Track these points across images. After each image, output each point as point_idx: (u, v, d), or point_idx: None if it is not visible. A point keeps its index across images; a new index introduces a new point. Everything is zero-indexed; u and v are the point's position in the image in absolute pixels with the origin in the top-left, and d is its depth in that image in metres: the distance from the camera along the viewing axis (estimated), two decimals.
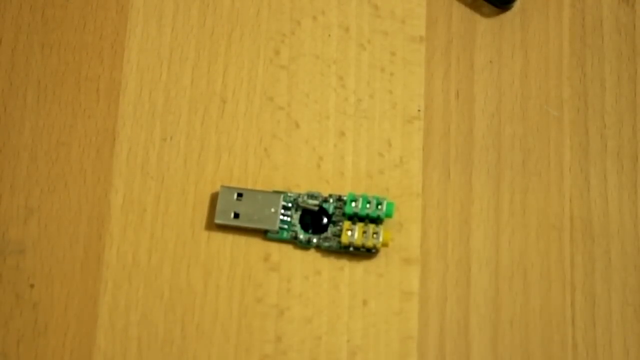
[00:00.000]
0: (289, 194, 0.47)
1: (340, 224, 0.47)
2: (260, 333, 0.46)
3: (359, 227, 0.46)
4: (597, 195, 0.48)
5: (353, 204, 0.47)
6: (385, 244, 0.47)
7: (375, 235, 0.46)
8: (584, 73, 0.49)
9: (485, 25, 0.50)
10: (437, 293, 0.47)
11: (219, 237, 0.47)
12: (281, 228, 0.47)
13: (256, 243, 0.47)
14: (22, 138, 0.48)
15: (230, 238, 0.47)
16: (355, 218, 0.47)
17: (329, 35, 0.50)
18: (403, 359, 0.46)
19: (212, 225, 0.47)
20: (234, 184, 0.48)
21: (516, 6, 0.50)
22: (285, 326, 0.46)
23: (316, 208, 0.47)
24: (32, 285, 0.47)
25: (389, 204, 0.46)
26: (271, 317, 0.46)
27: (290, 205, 0.47)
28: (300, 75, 0.49)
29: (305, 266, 0.47)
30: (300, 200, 0.47)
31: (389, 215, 0.46)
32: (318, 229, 0.47)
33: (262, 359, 0.46)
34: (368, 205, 0.46)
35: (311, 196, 0.47)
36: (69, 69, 0.49)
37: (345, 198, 0.47)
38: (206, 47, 0.50)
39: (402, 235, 0.47)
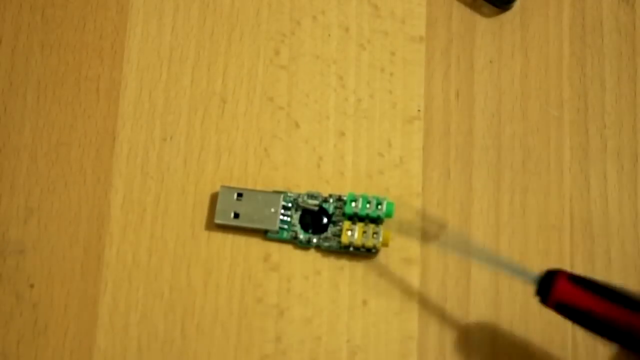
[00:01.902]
0: (289, 194, 0.47)
1: (340, 224, 0.47)
2: (260, 333, 0.46)
3: (359, 227, 0.46)
4: (597, 195, 0.48)
5: (353, 204, 0.47)
6: (385, 244, 0.47)
7: (375, 235, 0.46)
8: (584, 73, 0.49)
9: (485, 25, 0.50)
10: (437, 293, 0.47)
11: (219, 237, 0.47)
12: (281, 228, 0.47)
13: (256, 243, 0.47)
14: (22, 138, 0.48)
15: (230, 238, 0.47)
16: (355, 218, 0.47)
17: (329, 35, 0.50)
18: (403, 359, 0.46)
19: (212, 225, 0.47)
20: (234, 184, 0.48)
21: (516, 6, 0.50)
22: (285, 326, 0.46)
23: (316, 208, 0.47)
24: (32, 285, 0.47)
25: (389, 204, 0.46)
26: (271, 317, 0.46)
27: (290, 205, 0.47)
28: (300, 75, 0.49)
29: (305, 266, 0.47)
30: (300, 200, 0.47)
31: (389, 215, 0.46)
32: (318, 229, 0.47)
33: (262, 359, 0.46)
34: (368, 205, 0.46)
35: (311, 196, 0.47)
36: (69, 69, 0.49)
37: (345, 198, 0.47)
38: (206, 47, 0.50)
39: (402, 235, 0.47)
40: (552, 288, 0.39)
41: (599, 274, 0.47)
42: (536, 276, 0.40)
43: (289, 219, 0.47)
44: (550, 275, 0.40)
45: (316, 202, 0.47)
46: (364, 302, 0.46)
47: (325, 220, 0.47)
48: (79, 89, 0.49)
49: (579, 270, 0.47)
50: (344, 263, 0.47)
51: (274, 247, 0.47)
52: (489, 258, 0.42)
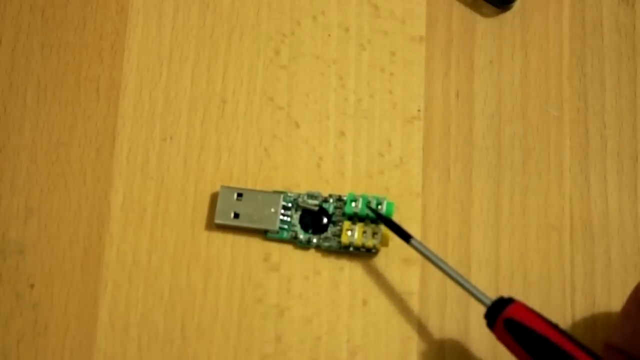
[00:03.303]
0: (289, 194, 0.47)
1: (340, 224, 0.47)
2: (260, 333, 0.46)
3: (359, 227, 0.46)
4: (597, 195, 0.48)
5: (353, 204, 0.47)
6: (385, 244, 0.47)
7: (375, 235, 0.46)
8: (584, 73, 0.49)
9: (485, 25, 0.50)
10: (437, 293, 0.47)
11: (219, 237, 0.47)
12: (281, 228, 0.47)
13: (256, 243, 0.47)
14: (22, 138, 0.48)
15: (230, 238, 0.47)
16: (355, 218, 0.47)
17: (329, 35, 0.50)
18: (403, 359, 0.46)
19: (212, 225, 0.47)
20: (234, 184, 0.48)
21: (516, 6, 0.50)
22: (285, 326, 0.46)
23: (316, 208, 0.47)
24: (32, 285, 0.47)
25: (389, 204, 0.46)
26: (271, 317, 0.46)
27: (290, 205, 0.47)
28: (300, 75, 0.49)
29: (305, 266, 0.47)
30: (300, 200, 0.47)
31: (389, 215, 0.46)
32: (318, 229, 0.47)
33: (262, 359, 0.46)
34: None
35: (311, 196, 0.47)
36: (69, 69, 0.49)
37: (345, 198, 0.47)
38: (206, 47, 0.50)
39: None
40: (508, 306, 0.42)
41: (598, 274, 0.47)
42: (491, 300, 0.43)
43: (289, 219, 0.47)
44: (504, 300, 0.43)
45: (316, 202, 0.47)
46: (364, 302, 0.46)
47: (325, 220, 0.47)
48: (79, 89, 0.49)
49: (579, 270, 0.47)
50: (344, 263, 0.47)
51: (274, 247, 0.47)
52: (452, 273, 0.44)
